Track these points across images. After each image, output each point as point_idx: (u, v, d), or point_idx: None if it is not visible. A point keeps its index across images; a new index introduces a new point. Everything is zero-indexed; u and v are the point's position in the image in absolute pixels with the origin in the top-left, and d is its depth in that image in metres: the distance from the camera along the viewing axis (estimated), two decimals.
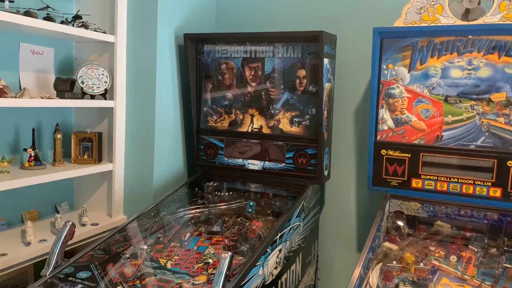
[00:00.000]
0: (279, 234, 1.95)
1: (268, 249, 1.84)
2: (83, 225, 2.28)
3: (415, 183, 2.13)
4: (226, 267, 1.44)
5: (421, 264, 1.71)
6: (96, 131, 2.43)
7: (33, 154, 2.13)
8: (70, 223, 1.72)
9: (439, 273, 1.79)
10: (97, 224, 2.32)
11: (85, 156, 2.38)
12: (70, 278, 1.67)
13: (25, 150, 2.14)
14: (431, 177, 2.09)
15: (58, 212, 2.35)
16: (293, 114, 2.40)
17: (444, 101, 2.04)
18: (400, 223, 2.12)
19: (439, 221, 2.09)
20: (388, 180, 2.18)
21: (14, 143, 2.20)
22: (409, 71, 2.08)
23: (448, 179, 2.05)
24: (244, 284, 1.62)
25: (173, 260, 1.89)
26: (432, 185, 2.09)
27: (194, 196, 2.49)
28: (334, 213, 2.66)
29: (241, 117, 2.51)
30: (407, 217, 2.15)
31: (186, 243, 2.07)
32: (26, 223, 2.07)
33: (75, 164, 2.35)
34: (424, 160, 2.09)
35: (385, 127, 2.16)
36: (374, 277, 1.66)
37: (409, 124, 2.12)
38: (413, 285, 1.71)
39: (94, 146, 2.37)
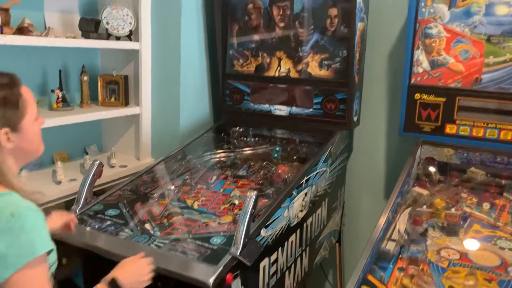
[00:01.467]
0: (305, 178, 1.92)
1: (293, 192, 1.82)
2: (112, 166, 2.32)
3: (449, 128, 2.03)
4: (251, 206, 1.43)
5: (452, 209, 1.66)
6: (122, 74, 2.40)
7: (60, 96, 2.14)
8: (98, 162, 1.74)
9: (470, 219, 1.73)
10: (126, 166, 2.35)
11: (112, 99, 2.38)
12: (99, 215, 1.71)
13: (53, 91, 2.15)
14: (467, 123, 1.99)
15: (87, 154, 2.39)
16: (322, 56, 2.30)
17: (486, 41, 1.90)
18: (431, 169, 2.05)
19: (472, 167, 2.01)
20: (420, 125, 2.09)
21: (42, 84, 2.21)
22: (449, 8, 1.93)
23: (485, 125, 1.95)
24: (269, 225, 1.62)
25: (200, 201, 1.90)
26: (467, 131, 2.00)
27: (220, 141, 2.48)
28: (362, 160, 2.60)
29: (268, 60, 2.43)
30: (438, 164, 2.08)
31: (212, 186, 2.07)
32: (56, 164, 2.11)
33: (102, 106, 2.35)
34: (460, 104, 1.98)
35: (420, 70, 2.05)
36: (402, 221, 1.63)
37: (446, 66, 2.00)
38: (443, 230, 1.67)
39: (120, 89, 2.35)
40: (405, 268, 1.43)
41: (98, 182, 2.14)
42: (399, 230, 1.55)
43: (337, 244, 2.61)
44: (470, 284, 1.36)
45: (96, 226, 1.63)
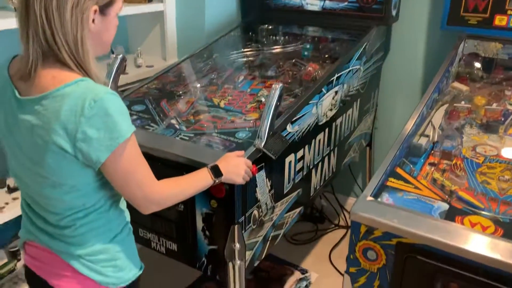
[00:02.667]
0: (336, 75, 1.83)
1: (323, 89, 1.74)
2: (139, 66, 2.28)
3: (499, 20, 1.84)
4: (276, 98, 1.37)
5: (494, 105, 1.55)
6: None
7: None
8: (121, 56, 1.69)
9: None
10: (152, 66, 2.31)
11: None
12: None
13: None
14: None
15: (113, 53, 2.34)
16: None
17: None
18: (474, 64, 1.90)
19: None
20: (466, 17, 1.90)
21: None
22: None
23: None
24: (295, 120, 1.57)
25: (227, 100, 1.86)
26: None
27: (247, 40, 2.37)
28: (399, 60, 2.44)
29: None
30: (483, 60, 1.91)
31: (240, 85, 2.01)
32: None
33: (126, 3, 2.25)
34: None
35: None
36: (437, 117, 1.54)
37: None
38: (481, 127, 1.57)
39: None
40: (437, 163, 1.38)
41: (124, 81, 2.14)
42: (433, 126, 1.47)
43: (367, 148, 2.57)
44: (505, 179, 1.30)
45: None
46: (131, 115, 1.64)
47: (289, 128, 1.54)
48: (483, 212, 1.11)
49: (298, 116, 1.59)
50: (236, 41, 2.35)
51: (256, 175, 1.40)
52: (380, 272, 1.13)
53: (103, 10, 0.98)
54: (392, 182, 1.24)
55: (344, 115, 2.02)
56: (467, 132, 1.55)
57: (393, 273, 1.09)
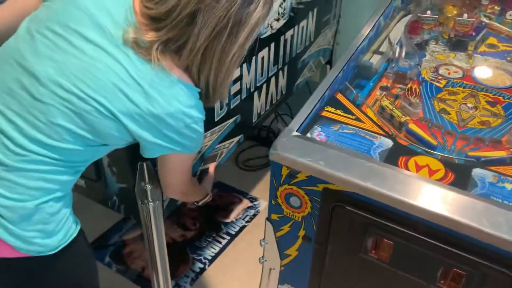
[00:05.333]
0: None
1: None
2: None
3: None
4: None
5: (465, 16, 1.28)
6: None
7: None
8: None
9: (486, 31, 1.36)
10: None
11: None
12: None
13: None
14: None
15: None
16: None
17: None
18: None
19: None
20: None
21: None
22: None
23: None
24: None
25: None
26: None
27: None
28: None
29: None
30: None
31: None
32: None
33: None
34: None
35: None
36: (397, 30, 1.26)
37: None
38: (448, 43, 1.32)
39: None
40: (389, 87, 1.13)
41: None
42: (390, 41, 1.20)
43: (327, 66, 2.30)
44: (467, 107, 1.07)
45: None
46: None
47: None
48: (433, 152, 0.90)
49: None
50: None
51: None
52: (305, 221, 0.93)
53: None
54: (329, 112, 1.00)
55: (296, 27, 1.72)
56: (431, 49, 1.30)
57: (319, 224, 0.89)
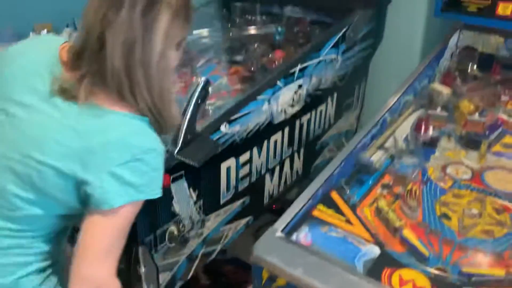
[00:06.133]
0: (299, 67, 1.55)
1: (278, 82, 1.47)
2: None
3: (503, 9, 1.51)
4: (196, 95, 1.12)
5: (476, 115, 1.25)
6: None
7: None
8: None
9: (502, 129, 1.32)
10: None
11: None
12: None
13: None
14: None
15: (68, 26, 2.12)
16: None
17: None
18: (468, 62, 1.58)
19: None
20: (464, 3, 1.58)
21: None
22: None
23: None
24: (235, 120, 1.32)
25: (177, 87, 1.62)
26: None
27: (219, 18, 2.10)
28: (393, 50, 2.12)
29: None
30: (480, 55, 1.60)
31: (198, 71, 1.76)
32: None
33: None
34: None
35: None
36: (405, 126, 1.25)
37: None
38: (461, 141, 1.28)
39: None
40: (391, 185, 1.11)
41: None
42: (395, 137, 1.19)
43: None
44: (471, 214, 1.02)
45: None
46: None
47: (224, 128, 1.29)
48: (422, 265, 0.85)
49: (239, 115, 1.34)
50: (206, 18, 2.08)
51: (172, 185, 1.16)
52: None
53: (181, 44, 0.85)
54: (320, 211, 0.99)
55: (314, 111, 1.75)
56: (442, 146, 1.27)
57: None
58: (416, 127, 1.23)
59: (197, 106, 1.13)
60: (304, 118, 1.69)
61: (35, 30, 2.06)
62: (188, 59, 1.79)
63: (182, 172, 1.19)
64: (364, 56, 2.01)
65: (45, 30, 1.98)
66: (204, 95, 1.14)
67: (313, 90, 1.68)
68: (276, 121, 1.52)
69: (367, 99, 2.21)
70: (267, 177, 1.59)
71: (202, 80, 1.14)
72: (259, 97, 1.40)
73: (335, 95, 1.87)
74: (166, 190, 1.14)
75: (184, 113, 1.13)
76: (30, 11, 2.01)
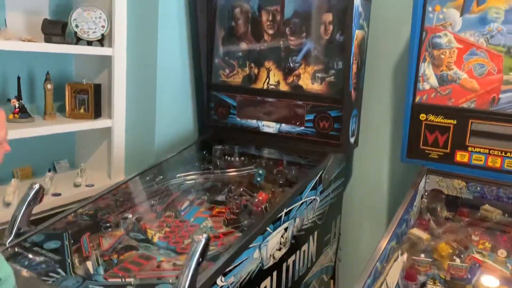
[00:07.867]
0: (285, 211, 1.63)
1: (268, 228, 1.53)
2: (77, 185, 2.07)
3: (461, 156, 1.72)
4: (198, 254, 1.15)
5: (457, 260, 1.34)
6: (94, 82, 2.17)
7: (17, 106, 1.91)
8: (37, 186, 1.49)
9: (480, 270, 1.41)
10: (93, 185, 2.11)
11: (81, 110, 2.14)
12: (35, 248, 1.46)
13: (9, 100, 1.92)
14: (481, 150, 1.67)
15: (55, 170, 2.16)
16: (315, 68, 2.02)
17: (505, 53, 1.59)
18: (437, 204, 1.73)
19: (487, 204, 1.69)
20: (426, 151, 1.78)
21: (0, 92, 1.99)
22: (461, 15, 1.63)
23: (502, 154, 1.63)
24: (230, 271, 1.33)
25: (163, 232, 1.64)
26: (481, 160, 1.68)
27: (200, 160, 2.21)
28: (361, 187, 2.30)
29: (256, 71, 2.16)
30: (446, 198, 1.76)
31: (182, 213, 1.80)
32: (10, 182, 1.88)
33: (70, 118, 2.12)
34: (473, 128, 1.67)
35: (427, 86, 1.74)
36: (393, 273, 1.32)
37: (457, 82, 1.69)
38: (446, 285, 1.35)
39: (89, 99, 2.12)
40: None
41: (59, 203, 1.92)
42: (387, 286, 1.24)
43: (331, 281, 2.30)
44: None
45: (26, 263, 1.37)
46: (40, 255, 1.42)
47: (220, 282, 1.30)
48: None
49: (233, 266, 1.36)
50: (188, 161, 2.19)
51: None
52: None
53: None
54: None
55: (298, 252, 1.80)
56: None
57: None
58: (407, 276, 1.29)
59: (198, 264, 1.15)
60: (290, 260, 1.73)
61: (14, 175, 2.08)
62: (172, 203, 1.85)
63: None
64: (338, 193, 2.14)
65: None
66: (204, 251, 1.17)
67: (297, 231, 1.74)
68: (265, 267, 1.54)
69: (342, 234, 2.30)
70: None
71: (203, 237, 1.18)
72: (251, 245, 1.44)
73: (316, 233, 1.94)
74: None
75: (185, 272, 1.14)
76: (8, 154, 2.04)
